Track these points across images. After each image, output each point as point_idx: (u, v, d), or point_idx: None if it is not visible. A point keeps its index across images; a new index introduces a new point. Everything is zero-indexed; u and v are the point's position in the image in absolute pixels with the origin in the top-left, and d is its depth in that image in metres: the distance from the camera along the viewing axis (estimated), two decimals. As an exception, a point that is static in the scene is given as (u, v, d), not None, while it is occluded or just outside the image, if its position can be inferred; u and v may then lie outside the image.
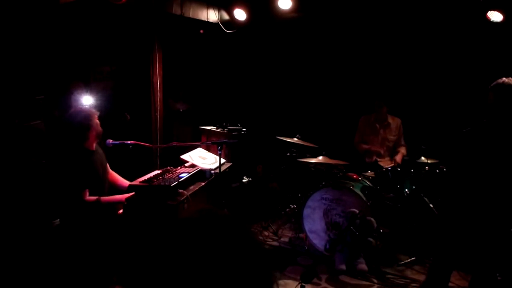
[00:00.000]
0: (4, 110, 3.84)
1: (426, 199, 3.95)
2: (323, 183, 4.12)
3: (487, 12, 4.26)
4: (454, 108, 4.86)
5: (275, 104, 6.39)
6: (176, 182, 3.00)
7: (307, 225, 4.03)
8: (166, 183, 2.97)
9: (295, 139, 4.74)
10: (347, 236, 3.57)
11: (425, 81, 5.23)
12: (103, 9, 4.55)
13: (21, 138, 3.83)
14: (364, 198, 3.83)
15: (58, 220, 3.14)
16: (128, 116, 5.05)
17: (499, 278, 2.92)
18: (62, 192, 3.03)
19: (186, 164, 3.69)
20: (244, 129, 5.02)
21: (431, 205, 3.91)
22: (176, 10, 4.92)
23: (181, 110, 6.31)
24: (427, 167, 4.17)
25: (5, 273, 2.95)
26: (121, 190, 3.26)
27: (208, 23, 5.54)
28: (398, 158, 4.72)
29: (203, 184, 3.42)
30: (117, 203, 3.07)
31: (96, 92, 5.12)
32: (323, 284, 3.47)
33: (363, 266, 3.55)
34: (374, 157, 4.86)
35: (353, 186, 3.89)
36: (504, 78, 2.74)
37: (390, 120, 4.92)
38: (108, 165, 3.36)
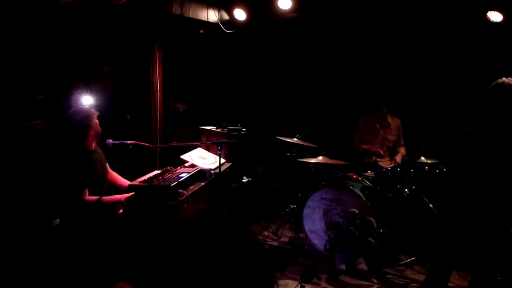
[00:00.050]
0: (4, 110, 3.84)
1: (426, 199, 3.95)
2: (323, 183, 4.12)
3: (487, 12, 4.26)
4: (454, 108, 4.86)
5: (275, 104, 6.39)
6: (176, 182, 3.00)
7: (307, 225, 4.03)
8: (166, 183, 2.97)
9: (295, 139, 4.74)
10: (347, 236, 3.57)
11: (425, 81, 5.23)
12: (103, 9, 4.55)
13: (21, 138, 3.84)
14: (364, 198, 3.83)
15: (58, 220, 3.14)
16: (128, 116, 5.05)
17: (499, 278, 2.92)
18: (62, 192, 3.04)
19: (186, 164, 3.69)
20: (244, 129, 5.02)
21: (431, 205, 3.91)
22: (176, 10, 4.92)
23: (181, 110, 6.31)
24: (427, 167, 4.17)
25: (5, 273, 2.94)
26: (121, 190, 3.26)
27: (208, 23, 5.54)
28: (398, 158, 4.72)
29: (203, 184, 3.42)
30: (117, 203, 3.07)
31: (96, 92, 5.12)
32: (323, 284, 3.47)
33: (363, 266, 3.55)
34: (374, 158, 4.87)
35: (353, 186, 3.89)
36: (504, 78, 2.74)
37: (390, 120, 4.92)
38: (107, 165, 3.36)
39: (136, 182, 3.07)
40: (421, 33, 5.12)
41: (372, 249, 3.69)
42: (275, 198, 5.24)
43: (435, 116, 5.06)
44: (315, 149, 4.75)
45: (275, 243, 4.34)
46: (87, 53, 5.26)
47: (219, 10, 5.67)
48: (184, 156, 3.75)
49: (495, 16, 4.25)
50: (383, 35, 5.42)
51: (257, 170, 5.46)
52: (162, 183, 2.99)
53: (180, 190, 3.02)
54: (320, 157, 4.42)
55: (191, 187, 3.26)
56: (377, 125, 4.92)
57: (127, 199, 2.96)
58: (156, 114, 5.07)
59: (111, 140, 3.31)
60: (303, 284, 2.72)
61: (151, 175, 3.25)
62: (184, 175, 3.25)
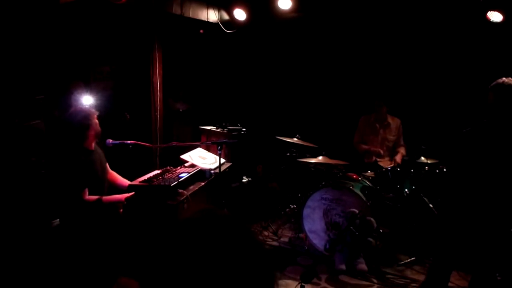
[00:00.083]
0: (4, 110, 3.84)
1: (425, 199, 3.95)
2: (323, 183, 4.12)
3: (487, 12, 4.26)
4: (454, 108, 4.86)
5: (275, 104, 6.39)
6: (176, 182, 3.00)
7: (307, 225, 4.03)
8: (166, 183, 2.97)
9: (295, 139, 4.74)
10: (347, 236, 3.57)
11: (425, 81, 5.23)
12: (103, 9, 4.55)
13: (21, 137, 3.84)
14: (364, 198, 3.83)
15: (58, 220, 3.14)
16: (128, 116, 5.06)
17: (499, 278, 2.92)
18: (62, 192, 3.03)
19: (186, 164, 3.69)
20: (244, 129, 5.02)
21: (431, 205, 3.91)
22: (176, 10, 4.92)
23: (181, 110, 6.31)
24: (427, 167, 4.17)
25: (5, 273, 2.94)
26: (121, 189, 3.26)
27: (208, 23, 5.54)
28: (398, 158, 4.72)
29: (203, 184, 3.42)
30: (117, 203, 3.07)
31: (96, 92, 5.12)
32: (323, 284, 3.47)
33: (363, 266, 3.55)
34: (374, 158, 4.87)
35: (353, 186, 3.89)
36: (504, 78, 2.74)
37: (389, 120, 4.92)
38: (107, 164, 3.36)
39: (136, 182, 3.07)
40: (421, 33, 5.12)
41: (372, 249, 3.69)
42: (275, 198, 5.24)
43: (435, 116, 5.06)
44: (315, 149, 4.75)
45: (275, 243, 4.34)
46: (87, 53, 5.26)
47: (219, 10, 5.67)
48: (184, 156, 3.75)
49: (495, 16, 4.25)
50: (383, 35, 5.42)
51: (257, 170, 5.46)
52: (162, 183, 2.99)
53: (180, 190, 3.02)
54: (320, 157, 4.42)
55: (191, 187, 3.26)
56: (377, 125, 4.92)
57: (127, 199, 2.96)
58: (156, 114, 5.07)
59: (111, 140, 3.31)
60: (303, 284, 2.73)
61: (151, 175, 3.25)
62: (184, 175, 3.25)
